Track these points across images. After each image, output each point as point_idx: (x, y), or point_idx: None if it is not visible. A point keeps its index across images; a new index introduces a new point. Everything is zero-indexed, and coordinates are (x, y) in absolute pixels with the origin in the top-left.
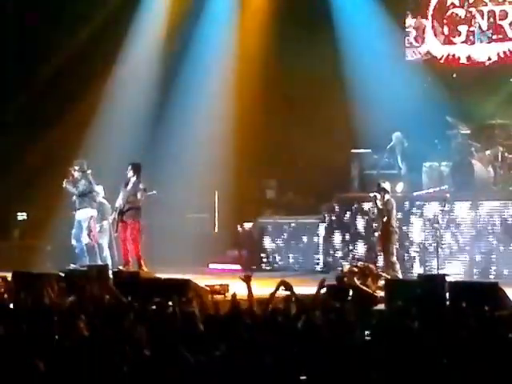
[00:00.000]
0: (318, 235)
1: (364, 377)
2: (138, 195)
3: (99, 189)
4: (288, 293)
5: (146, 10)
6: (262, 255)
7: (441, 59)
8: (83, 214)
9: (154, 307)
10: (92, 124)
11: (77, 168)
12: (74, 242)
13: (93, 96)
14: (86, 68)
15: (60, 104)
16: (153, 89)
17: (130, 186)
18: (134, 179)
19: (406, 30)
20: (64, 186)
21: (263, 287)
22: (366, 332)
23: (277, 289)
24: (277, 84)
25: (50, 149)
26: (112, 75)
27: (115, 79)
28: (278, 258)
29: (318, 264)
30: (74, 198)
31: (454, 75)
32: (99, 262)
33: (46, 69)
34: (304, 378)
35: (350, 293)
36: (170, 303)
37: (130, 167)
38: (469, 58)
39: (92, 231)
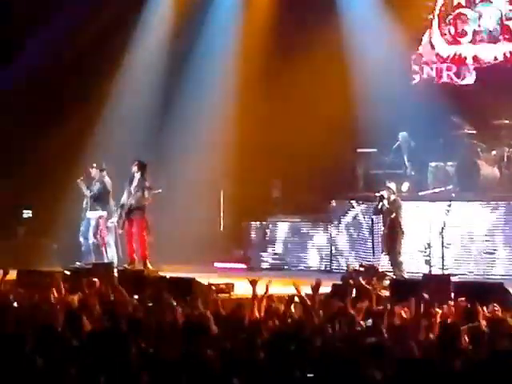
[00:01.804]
0: (323, 234)
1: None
2: (146, 194)
3: None
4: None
5: (152, 10)
6: (267, 254)
7: (447, 59)
8: (93, 214)
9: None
10: (98, 123)
11: (95, 165)
12: (81, 239)
13: (99, 95)
14: (90, 67)
15: (68, 103)
16: (158, 88)
17: (134, 184)
18: (138, 176)
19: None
20: (78, 184)
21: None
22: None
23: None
24: (282, 83)
25: (56, 147)
26: (117, 75)
27: (120, 78)
28: (282, 257)
29: (323, 263)
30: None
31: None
32: (105, 261)
33: (49, 68)
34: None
35: (354, 292)
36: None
37: (135, 163)
38: (475, 57)
39: (100, 231)
